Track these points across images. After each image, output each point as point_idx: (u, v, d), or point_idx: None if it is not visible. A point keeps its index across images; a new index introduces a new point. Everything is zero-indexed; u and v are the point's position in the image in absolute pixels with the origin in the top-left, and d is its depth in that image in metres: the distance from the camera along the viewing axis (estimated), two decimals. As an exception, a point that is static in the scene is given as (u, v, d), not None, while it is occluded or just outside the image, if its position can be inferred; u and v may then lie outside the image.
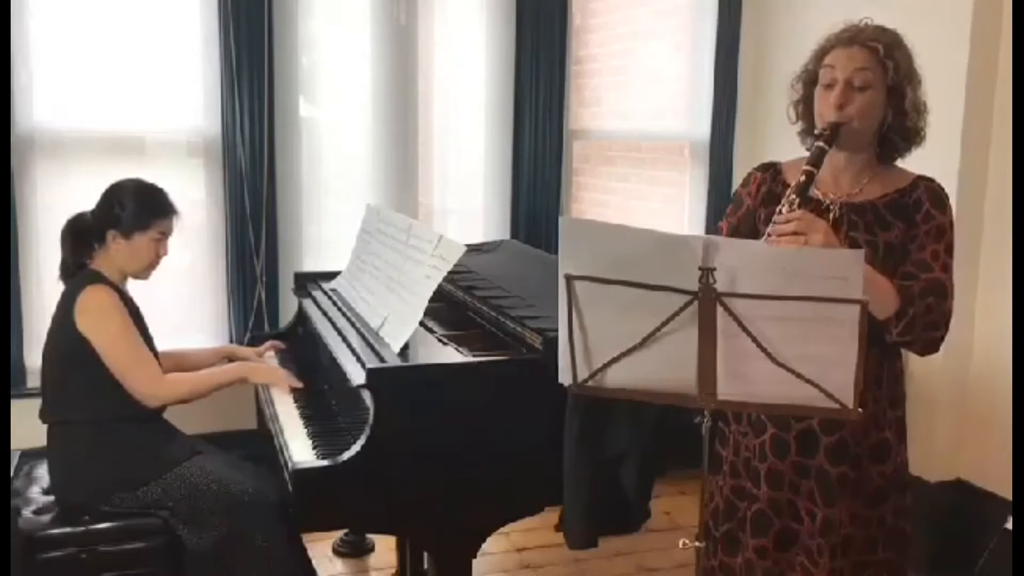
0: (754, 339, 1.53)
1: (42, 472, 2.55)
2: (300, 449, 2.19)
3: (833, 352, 1.51)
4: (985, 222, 3.23)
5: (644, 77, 4.43)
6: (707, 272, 1.51)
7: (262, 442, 2.56)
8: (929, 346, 1.80)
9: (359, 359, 2.24)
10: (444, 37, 3.90)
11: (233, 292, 3.55)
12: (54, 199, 3.26)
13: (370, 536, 3.39)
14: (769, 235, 1.71)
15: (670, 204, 4.46)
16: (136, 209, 2.46)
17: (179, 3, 3.43)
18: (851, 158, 1.89)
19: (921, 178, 1.89)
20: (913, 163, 1.93)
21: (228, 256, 3.55)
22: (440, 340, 2.40)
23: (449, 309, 2.66)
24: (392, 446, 2.06)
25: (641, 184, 4.62)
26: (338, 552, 3.35)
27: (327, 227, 3.74)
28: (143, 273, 2.53)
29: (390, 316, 2.38)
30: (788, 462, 1.89)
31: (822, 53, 1.88)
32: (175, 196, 2.57)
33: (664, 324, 1.56)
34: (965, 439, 3.32)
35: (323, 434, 2.29)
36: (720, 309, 1.53)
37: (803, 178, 1.75)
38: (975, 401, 3.29)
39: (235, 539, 2.36)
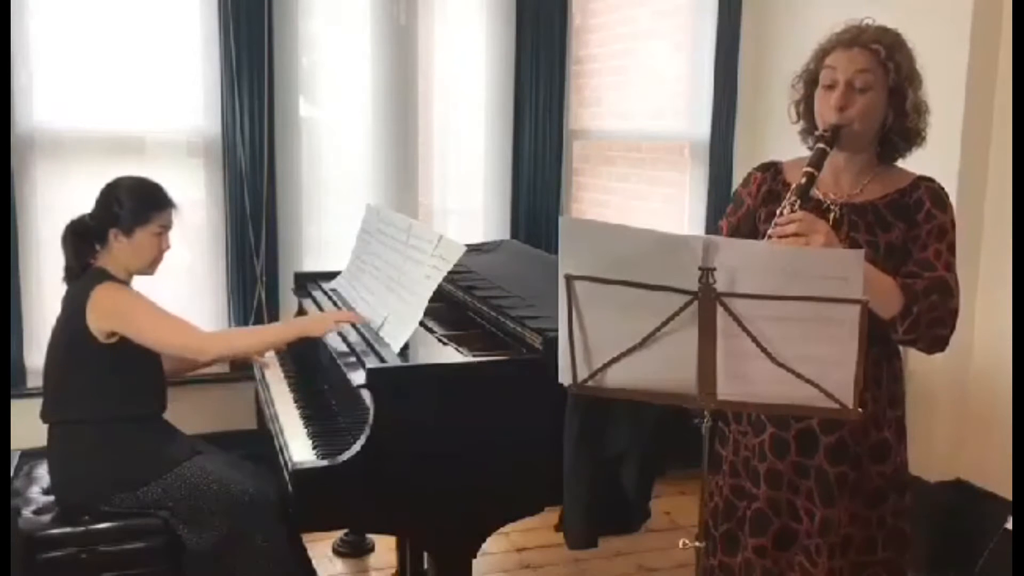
0: (754, 339, 1.53)
1: (42, 472, 2.55)
2: (300, 449, 2.19)
3: (833, 352, 1.51)
4: (985, 222, 3.23)
5: (644, 77, 4.43)
6: (707, 272, 1.51)
7: (262, 442, 2.56)
8: (935, 344, 1.80)
9: (359, 359, 2.24)
10: (444, 37, 3.90)
11: (233, 292, 3.55)
12: (54, 199, 3.27)
13: (370, 536, 3.39)
14: (770, 236, 1.71)
15: (670, 204, 4.46)
16: (134, 205, 2.46)
17: (179, 3, 3.43)
18: (852, 159, 1.89)
19: (922, 178, 1.89)
20: (913, 163, 1.93)
21: (228, 256, 3.55)
22: (440, 340, 2.40)
23: (449, 309, 2.66)
24: (392, 446, 2.06)
25: (641, 184, 4.62)
26: (338, 552, 3.35)
27: (327, 227, 3.74)
28: (148, 268, 2.53)
29: (390, 316, 2.38)
30: (787, 462, 1.89)
31: (823, 53, 1.87)
32: (175, 196, 2.57)
33: (664, 324, 1.56)
34: (965, 439, 3.32)
35: (323, 434, 2.29)
36: (720, 309, 1.53)
37: (804, 179, 1.75)
38: (975, 401, 3.29)
39: (235, 539, 2.36)
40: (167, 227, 2.52)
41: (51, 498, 2.45)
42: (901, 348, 1.93)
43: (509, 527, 2.38)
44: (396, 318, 2.34)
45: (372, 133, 3.76)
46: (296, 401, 2.54)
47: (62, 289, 2.51)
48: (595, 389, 1.67)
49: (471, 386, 2.16)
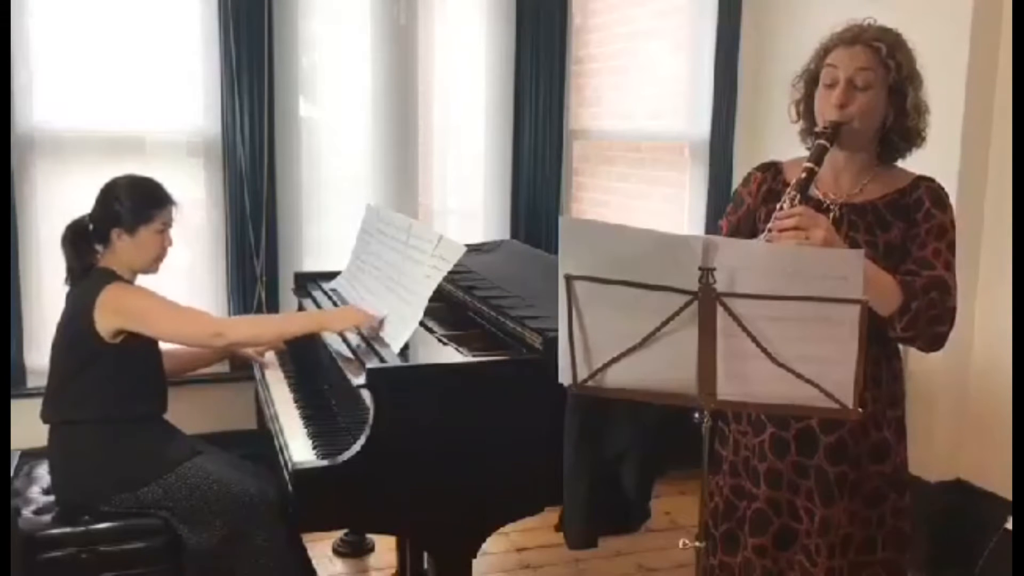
0: (754, 339, 1.53)
1: (42, 472, 2.55)
2: (300, 449, 2.19)
3: (833, 352, 1.51)
4: (985, 222, 3.23)
5: (644, 77, 4.43)
6: (707, 272, 1.51)
7: (262, 442, 2.56)
8: (933, 342, 1.80)
9: (359, 359, 2.24)
10: (444, 37, 3.90)
11: (233, 292, 3.55)
12: (54, 199, 3.27)
13: (370, 536, 3.39)
14: (770, 230, 1.71)
15: (670, 204, 4.46)
16: (136, 204, 2.46)
17: (179, 3, 3.43)
18: (851, 158, 1.89)
19: (921, 178, 1.89)
20: (913, 163, 1.93)
21: (228, 256, 3.55)
22: (440, 340, 2.40)
23: (449, 309, 2.66)
24: (392, 446, 2.06)
25: (641, 184, 4.63)
26: (338, 552, 3.35)
27: (327, 227, 3.74)
28: (152, 266, 2.54)
29: (390, 316, 2.38)
30: (787, 461, 1.89)
31: (824, 52, 1.88)
32: (175, 196, 2.57)
33: (664, 324, 1.56)
34: (965, 439, 3.32)
35: (323, 434, 2.29)
36: (720, 309, 1.53)
37: (804, 175, 1.75)
38: (975, 401, 3.29)
39: (235, 539, 2.36)
40: (169, 224, 2.52)
41: (51, 498, 2.45)
42: (901, 348, 1.93)
43: (509, 527, 2.38)
44: (396, 318, 2.34)
45: (372, 133, 3.76)
46: (296, 401, 2.55)
47: (62, 289, 2.51)
48: (595, 389, 1.67)
49: (471, 386, 2.16)
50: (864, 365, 1.53)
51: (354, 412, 2.23)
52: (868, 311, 1.49)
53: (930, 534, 3.20)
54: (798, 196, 1.73)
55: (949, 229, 1.84)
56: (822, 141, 1.79)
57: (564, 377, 1.68)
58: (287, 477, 2.09)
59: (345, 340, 2.44)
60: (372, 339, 2.35)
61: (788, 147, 2.03)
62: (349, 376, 2.22)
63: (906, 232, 1.84)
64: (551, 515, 2.24)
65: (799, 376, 1.53)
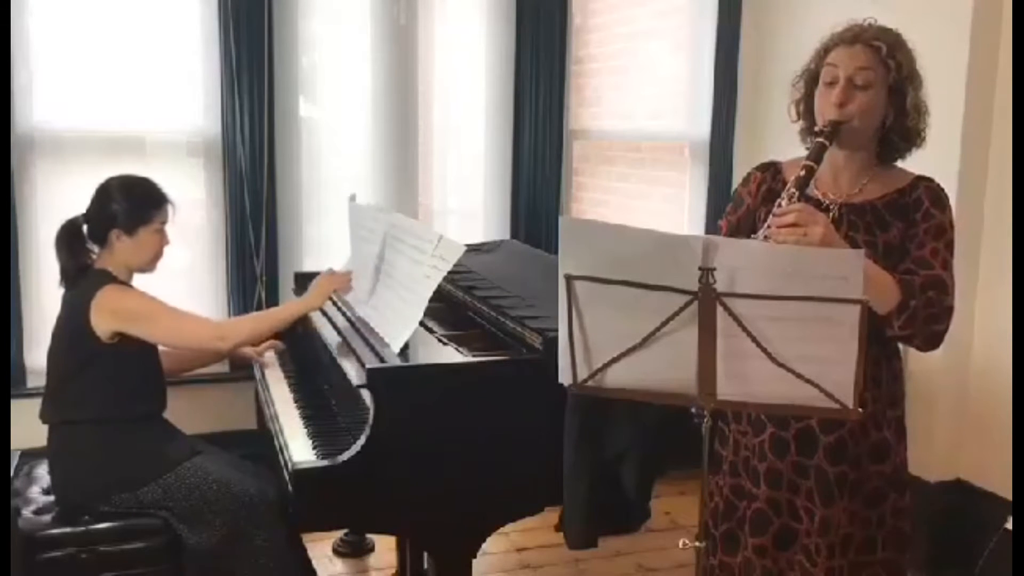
0: (754, 339, 1.53)
1: (42, 472, 2.55)
2: (300, 449, 2.19)
3: (833, 352, 1.51)
4: (985, 222, 3.23)
5: (644, 77, 4.43)
6: (707, 272, 1.51)
7: (262, 442, 2.56)
8: (931, 341, 1.80)
9: (359, 359, 2.24)
10: (444, 37, 3.90)
11: (233, 292, 3.55)
12: (54, 199, 3.26)
13: (370, 536, 3.39)
14: (768, 226, 1.71)
15: (670, 204, 4.46)
16: (133, 204, 2.46)
17: (179, 3, 3.43)
18: (851, 158, 1.89)
19: (921, 178, 1.89)
20: (913, 163, 1.93)
21: (228, 256, 3.55)
22: (440, 340, 2.40)
23: (449, 309, 2.66)
24: (392, 446, 2.06)
25: (641, 184, 4.63)
26: (338, 552, 3.35)
27: (327, 227, 3.73)
28: (150, 265, 2.54)
29: (390, 316, 2.38)
30: (787, 461, 1.89)
31: (824, 51, 1.88)
32: (175, 196, 2.57)
33: (664, 324, 1.56)
34: (965, 439, 3.32)
35: (323, 434, 2.29)
36: (720, 309, 1.53)
37: (803, 172, 1.75)
38: (975, 401, 3.29)
39: (235, 539, 2.36)
40: (166, 223, 2.52)
41: (51, 498, 2.45)
42: (901, 348, 1.93)
43: (509, 527, 2.38)
44: (396, 318, 2.34)
45: (372, 133, 3.76)
46: (296, 401, 2.54)
47: (61, 290, 2.51)
48: (595, 389, 1.67)
49: (471, 386, 2.16)
50: (864, 365, 1.53)
51: (354, 412, 2.23)
52: (867, 310, 1.49)
53: (930, 534, 3.20)
54: (797, 193, 1.73)
55: (948, 229, 1.84)
56: (821, 139, 1.79)
57: (564, 377, 1.68)
58: (287, 477, 2.09)
59: (345, 340, 2.44)
60: (372, 339, 2.35)
61: (788, 147, 2.03)
62: (349, 376, 2.22)
63: (905, 232, 1.84)
64: (551, 515, 2.24)
65: (799, 376, 1.53)
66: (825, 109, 1.83)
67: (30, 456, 2.65)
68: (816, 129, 1.84)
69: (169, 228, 2.54)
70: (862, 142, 1.87)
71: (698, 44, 4.19)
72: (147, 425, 2.46)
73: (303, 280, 3.26)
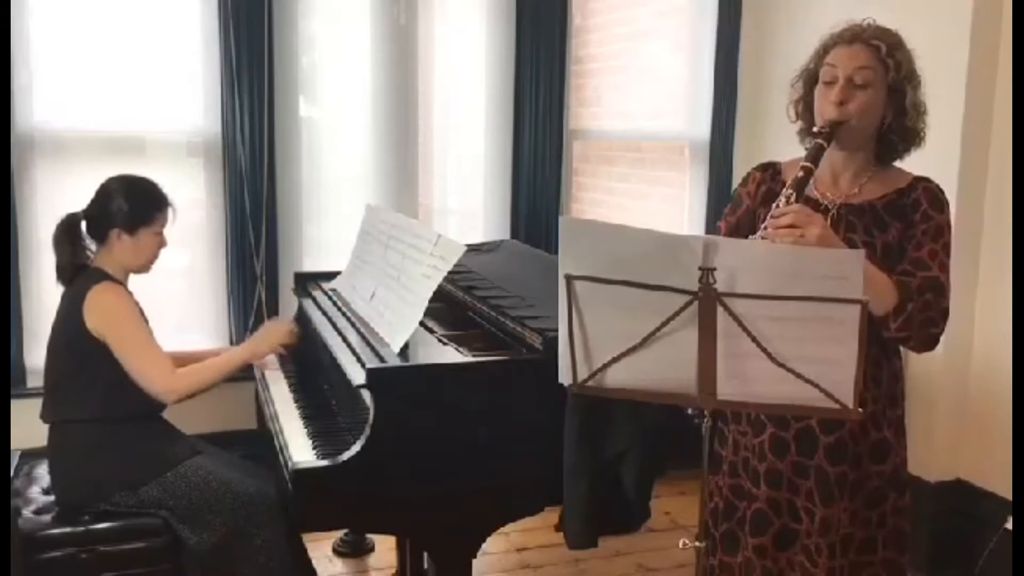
0: (754, 339, 1.53)
1: (42, 472, 2.55)
2: (300, 449, 2.19)
3: (833, 352, 1.51)
4: (985, 222, 3.23)
5: (644, 77, 4.43)
6: (707, 272, 1.51)
7: (262, 442, 2.56)
8: (927, 343, 1.80)
9: (359, 359, 2.24)
10: (444, 37, 3.90)
11: (233, 292, 3.55)
12: (54, 199, 3.26)
13: (370, 536, 3.39)
14: (765, 228, 1.71)
15: (670, 204, 4.46)
16: (136, 205, 2.46)
17: (179, 3, 3.43)
18: (850, 158, 1.89)
19: (919, 179, 1.89)
20: (913, 163, 1.93)
21: (228, 256, 3.55)
22: (440, 340, 2.40)
23: (449, 309, 2.66)
24: (392, 446, 2.05)
25: (641, 184, 4.63)
26: (338, 552, 3.35)
27: (327, 227, 3.74)
28: (146, 267, 2.54)
29: (390, 316, 2.38)
30: (787, 461, 1.89)
31: (823, 51, 1.88)
32: (175, 196, 2.57)
33: (664, 324, 1.56)
34: (965, 439, 3.32)
35: (323, 434, 2.29)
36: (720, 309, 1.53)
37: (801, 174, 1.75)
38: (975, 401, 3.29)
39: (235, 539, 2.36)
40: (165, 225, 2.53)
41: (51, 498, 2.45)
42: (901, 348, 1.93)
43: (509, 527, 2.38)
44: (396, 318, 2.34)
45: (372, 133, 3.76)
46: (296, 401, 2.54)
47: (61, 289, 2.51)
48: (595, 389, 1.67)
49: (471, 386, 2.16)
50: (864, 365, 1.53)
51: (354, 412, 2.23)
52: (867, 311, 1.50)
53: (930, 534, 3.20)
54: (794, 195, 1.73)
55: (946, 230, 1.85)
56: (819, 140, 1.79)
57: (564, 377, 1.68)
58: (287, 477, 2.09)
59: (345, 340, 2.44)
60: (372, 339, 2.35)
61: (788, 147, 2.03)
62: (349, 376, 2.22)
63: (903, 233, 1.84)
64: (551, 515, 2.23)
65: (799, 376, 1.53)
66: (824, 108, 1.83)
67: (30, 456, 2.65)
68: (814, 130, 1.84)
69: (168, 230, 2.55)
70: (861, 142, 1.87)
71: (698, 44, 4.19)
72: (147, 424, 2.46)
73: (303, 280, 3.27)
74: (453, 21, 3.90)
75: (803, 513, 1.89)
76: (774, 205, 1.75)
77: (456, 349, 2.31)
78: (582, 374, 1.66)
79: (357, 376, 2.16)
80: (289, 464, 2.09)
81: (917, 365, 2.84)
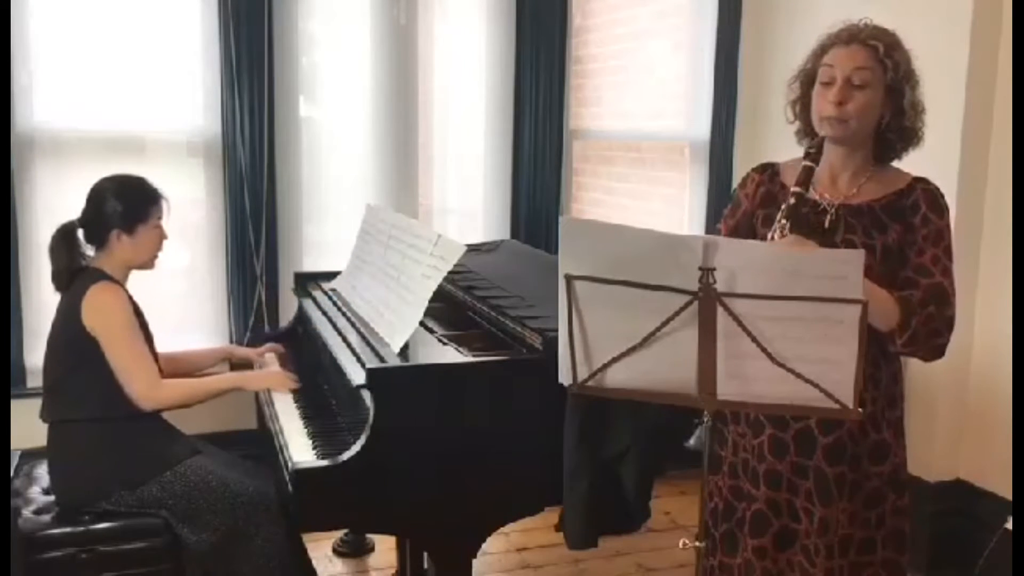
0: (754, 339, 1.53)
1: (42, 472, 2.55)
2: (300, 449, 2.19)
3: (833, 352, 1.51)
4: (985, 222, 3.23)
5: (644, 77, 4.43)
6: (707, 272, 1.51)
7: (262, 442, 2.56)
8: (934, 353, 1.81)
9: (359, 359, 2.24)
10: (444, 37, 3.90)
11: (233, 292, 3.55)
12: (54, 199, 3.26)
13: (370, 536, 3.39)
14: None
15: (670, 204, 4.46)
16: (130, 203, 2.47)
17: (179, 3, 3.43)
18: (848, 158, 1.89)
19: (918, 180, 1.89)
20: (913, 163, 1.93)
21: (228, 256, 3.55)
22: (440, 340, 2.40)
23: (449, 309, 2.66)
24: (392, 446, 2.06)
25: (641, 184, 4.62)
26: (338, 552, 3.35)
27: (327, 227, 3.74)
28: (151, 262, 2.54)
29: (390, 316, 2.38)
30: (786, 462, 1.89)
31: (821, 52, 1.88)
32: (175, 195, 2.57)
33: (664, 324, 1.56)
34: (964, 439, 3.32)
35: (323, 434, 2.29)
36: (720, 309, 1.53)
37: (792, 200, 1.74)
38: (975, 401, 3.29)
39: (235, 539, 2.36)
40: (162, 218, 2.53)
41: (51, 498, 2.45)
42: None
43: (509, 527, 2.38)
44: (396, 318, 2.34)
45: (372, 133, 3.76)
46: (296, 401, 2.54)
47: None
48: (595, 389, 1.67)
49: (471, 386, 2.16)
50: (863, 366, 1.53)
51: (354, 412, 2.23)
52: (868, 326, 1.49)
53: (930, 534, 3.20)
54: (788, 224, 1.72)
55: (946, 234, 1.85)
56: (807, 163, 1.78)
57: (564, 377, 1.68)
58: (287, 477, 2.09)
59: (345, 340, 2.44)
60: (372, 339, 2.35)
61: (788, 147, 2.03)
62: (349, 376, 2.22)
63: (903, 236, 1.83)
64: (551, 515, 2.24)
65: (799, 376, 1.53)
66: (822, 108, 1.83)
67: (30, 456, 2.65)
68: (804, 151, 1.82)
69: (166, 224, 2.55)
70: (860, 141, 1.86)
71: (698, 44, 4.19)
72: (147, 424, 2.46)
73: (303, 280, 3.27)
74: (453, 21, 3.90)
75: (802, 514, 1.89)
76: (769, 236, 1.75)
77: (456, 349, 2.31)
78: (582, 374, 1.66)
79: (357, 376, 2.16)
80: (289, 464, 2.09)
81: (917, 365, 2.81)
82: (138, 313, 2.49)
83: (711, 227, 4.04)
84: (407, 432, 2.07)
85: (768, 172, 2.01)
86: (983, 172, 3.22)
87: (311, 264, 3.64)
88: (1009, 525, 2.96)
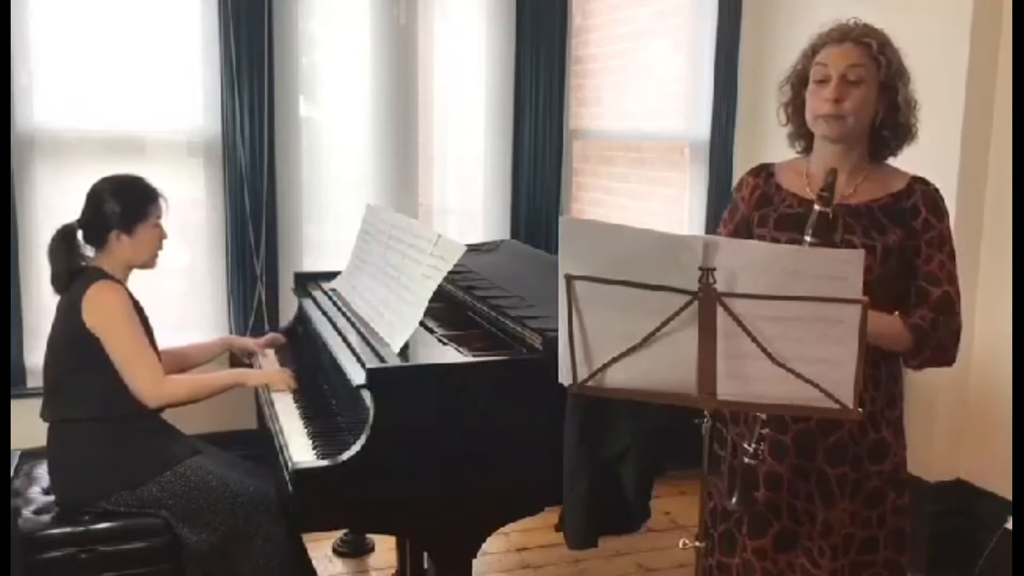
0: (754, 339, 1.53)
1: (42, 472, 2.55)
2: (300, 449, 2.19)
3: (833, 352, 1.51)
4: (985, 222, 3.23)
5: (644, 77, 4.43)
6: (707, 272, 1.51)
7: (262, 442, 2.56)
8: (945, 363, 1.85)
9: (359, 359, 2.24)
10: (444, 37, 3.90)
11: (233, 292, 3.55)
12: (54, 199, 3.26)
13: (370, 536, 3.39)
14: None
15: (670, 204, 4.46)
16: (128, 203, 2.47)
17: (179, 3, 3.43)
18: (845, 157, 1.88)
19: (916, 180, 1.88)
20: (913, 163, 1.93)
21: (228, 256, 3.55)
22: (440, 340, 2.40)
23: (449, 309, 2.66)
24: (392, 446, 2.05)
25: (641, 184, 4.63)
26: (338, 552, 3.35)
27: (327, 227, 3.74)
28: (151, 261, 2.54)
29: (390, 316, 2.38)
30: (787, 464, 1.89)
31: (812, 52, 1.88)
32: (175, 195, 2.58)
33: (664, 324, 1.56)
34: (964, 439, 3.32)
35: (323, 434, 2.29)
36: (720, 309, 1.53)
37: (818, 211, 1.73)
38: (975, 401, 3.29)
39: (235, 538, 2.36)
40: (161, 216, 2.53)
41: (51, 498, 2.45)
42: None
43: (509, 527, 2.38)
44: (396, 318, 2.34)
45: (372, 133, 3.76)
46: (296, 401, 2.54)
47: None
48: (595, 389, 1.67)
49: (471, 386, 2.16)
50: (863, 366, 1.53)
51: (354, 412, 2.23)
52: (867, 311, 1.49)
53: (930, 534, 3.20)
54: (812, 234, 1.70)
55: (948, 238, 1.86)
56: (822, 210, 1.70)
57: (564, 377, 1.68)
58: (287, 477, 2.09)
59: (345, 340, 2.44)
60: (372, 339, 2.35)
61: (788, 147, 2.03)
62: (349, 376, 2.22)
63: (904, 240, 1.83)
64: (551, 515, 2.24)
65: (799, 376, 1.53)
66: (818, 107, 1.83)
67: (30, 456, 2.65)
68: (817, 201, 1.74)
69: (166, 223, 2.55)
70: (855, 140, 1.86)
71: (698, 44, 4.19)
72: (147, 424, 2.46)
73: (303, 280, 3.27)
74: (453, 21, 3.90)
75: (804, 516, 1.88)
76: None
77: (456, 349, 2.31)
78: (582, 374, 1.66)
79: (357, 376, 2.16)
80: (289, 464, 2.09)
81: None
82: (139, 310, 2.49)
83: (711, 227, 4.04)
84: (407, 432, 2.07)
85: (763, 174, 2.00)
86: (983, 172, 3.22)
87: (311, 264, 3.64)
88: (1009, 525, 2.96)
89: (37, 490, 2.51)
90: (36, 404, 2.48)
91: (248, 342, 2.99)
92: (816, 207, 1.70)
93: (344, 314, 2.69)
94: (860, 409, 1.55)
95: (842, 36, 1.84)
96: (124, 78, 3.39)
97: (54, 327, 2.48)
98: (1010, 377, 3.08)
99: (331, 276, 3.11)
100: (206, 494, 2.37)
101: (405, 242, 2.51)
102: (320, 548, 3.27)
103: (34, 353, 3.25)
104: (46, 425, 2.47)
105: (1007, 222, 3.13)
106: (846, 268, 1.48)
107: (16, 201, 3.24)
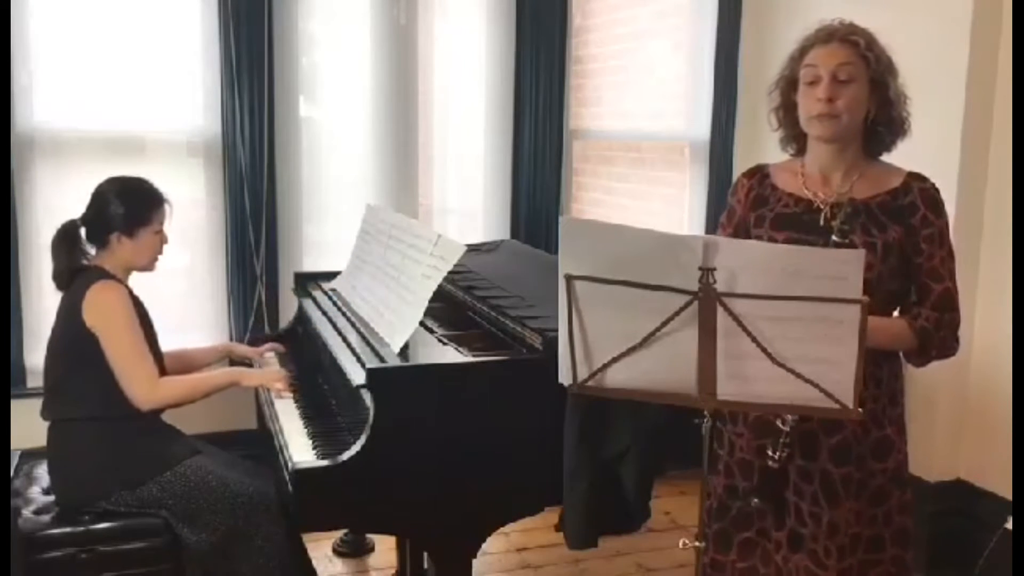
0: (754, 339, 1.53)
1: (42, 472, 2.55)
2: (300, 449, 2.19)
3: (833, 352, 1.51)
4: (985, 222, 3.23)
5: (644, 77, 4.43)
6: (707, 272, 1.51)
7: (262, 442, 2.56)
8: (947, 357, 1.90)
9: (359, 359, 2.24)
10: (444, 37, 3.90)
11: (233, 292, 3.55)
12: (54, 199, 3.26)
13: (370, 536, 3.39)
14: None
15: (670, 204, 4.46)
16: (132, 206, 2.47)
17: (179, 3, 3.43)
18: (839, 155, 1.88)
19: (913, 177, 1.88)
20: (913, 162, 1.93)
21: (228, 256, 3.55)
22: (440, 340, 2.40)
23: (449, 309, 2.66)
24: (392, 446, 2.05)
25: (641, 184, 4.63)
26: (338, 552, 3.34)
27: (327, 227, 3.74)
28: (151, 264, 2.54)
29: (390, 316, 2.38)
30: (791, 465, 1.88)
31: (800, 54, 1.89)
32: (175, 196, 2.57)
33: (664, 324, 1.56)
34: (965, 439, 3.32)
35: (323, 434, 2.29)
36: (720, 309, 1.53)
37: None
38: (975, 401, 3.29)
39: (235, 538, 2.36)
40: (164, 222, 2.53)
41: (51, 498, 2.45)
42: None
43: (509, 527, 2.38)
44: (396, 318, 2.34)
45: (372, 133, 3.76)
46: (296, 401, 2.54)
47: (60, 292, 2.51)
48: (595, 389, 1.67)
49: (471, 386, 2.16)
50: (864, 364, 1.53)
51: (354, 412, 2.23)
52: (868, 311, 1.49)
53: (930, 534, 3.20)
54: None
55: (947, 234, 1.87)
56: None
57: (564, 377, 1.68)
58: (287, 477, 2.09)
59: (345, 340, 2.44)
60: (372, 339, 2.35)
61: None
62: (349, 376, 2.22)
63: (904, 237, 1.84)
64: (551, 515, 2.24)
65: (799, 376, 1.53)
66: (811, 108, 1.84)
67: (30, 456, 2.65)
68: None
69: (168, 228, 2.55)
70: (849, 138, 1.87)
71: (698, 44, 4.19)
72: (147, 424, 2.46)
73: (303, 280, 3.27)
74: (453, 21, 3.90)
75: (809, 518, 1.87)
76: None
77: (456, 349, 2.31)
78: (582, 374, 1.66)
79: (357, 376, 2.16)
80: (289, 464, 2.09)
81: (917, 365, 2.84)
82: (141, 310, 2.49)
83: (711, 227, 4.04)
84: (407, 432, 2.07)
85: (758, 175, 2.00)
86: (983, 172, 3.22)
87: (311, 264, 3.64)
88: (1009, 525, 2.96)
89: (37, 490, 2.51)
90: (36, 404, 2.48)
91: (249, 351, 2.99)
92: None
93: (344, 314, 2.69)
94: (860, 409, 1.55)
95: (828, 36, 1.85)
96: (124, 78, 3.39)
97: (54, 327, 2.48)
98: (1010, 377, 3.08)
99: (331, 276, 3.11)
100: (206, 494, 2.37)
101: (405, 242, 2.51)
102: (320, 548, 3.27)
103: (34, 353, 3.25)
104: (46, 425, 2.47)
105: (1007, 222, 3.13)
106: (846, 268, 1.48)
107: (16, 201, 3.24)
